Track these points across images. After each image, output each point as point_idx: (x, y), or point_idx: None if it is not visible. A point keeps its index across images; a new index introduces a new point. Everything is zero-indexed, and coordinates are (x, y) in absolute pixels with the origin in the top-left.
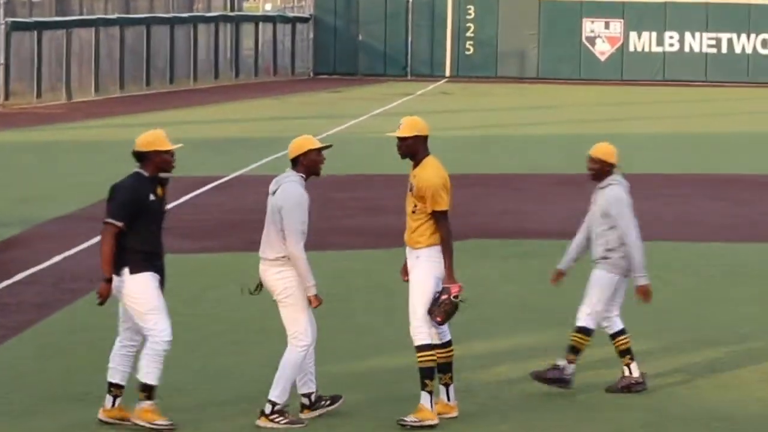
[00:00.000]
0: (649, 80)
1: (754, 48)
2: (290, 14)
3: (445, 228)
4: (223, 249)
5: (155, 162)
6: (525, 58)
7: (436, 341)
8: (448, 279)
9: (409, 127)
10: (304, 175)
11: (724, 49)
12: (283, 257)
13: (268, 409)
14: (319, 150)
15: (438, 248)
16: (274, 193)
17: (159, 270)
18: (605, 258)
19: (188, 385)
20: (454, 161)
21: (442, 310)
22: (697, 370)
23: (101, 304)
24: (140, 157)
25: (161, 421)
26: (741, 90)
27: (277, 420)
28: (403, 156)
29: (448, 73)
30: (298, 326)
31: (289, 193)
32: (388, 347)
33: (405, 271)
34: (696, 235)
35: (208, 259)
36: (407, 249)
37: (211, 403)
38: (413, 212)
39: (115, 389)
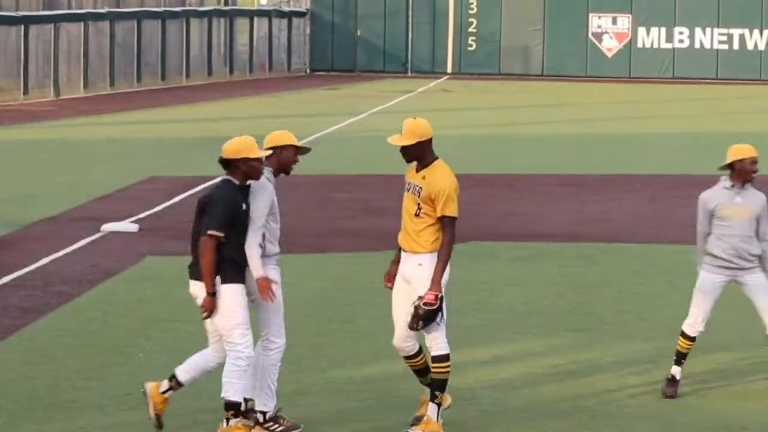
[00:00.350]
0: (657, 78)
1: (767, 44)
2: (286, 9)
3: (450, 234)
4: None
5: (243, 170)
6: (529, 54)
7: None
8: (433, 285)
9: (410, 133)
10: (272, 169)
11: (735, 45)
12: (265, 257)
13: (260, 418)
14: (297, 149)
15: None
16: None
17: (244, 281)
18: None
19: (180, 392)
20: (456, 161)
21: (413, 315)
22: (708, 377)
23: (207, 317)
24: (227, 164)
25: None
26: (753, 88)
27: (272, 428)
28: (409, 161)
29: (449, 69)
30: (272, 326)
31: (258, 185)
32: (388, 353)
33: (391, 277)
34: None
35: None
36: (403, 254)
37: (207, 411)
38: (416, 215)
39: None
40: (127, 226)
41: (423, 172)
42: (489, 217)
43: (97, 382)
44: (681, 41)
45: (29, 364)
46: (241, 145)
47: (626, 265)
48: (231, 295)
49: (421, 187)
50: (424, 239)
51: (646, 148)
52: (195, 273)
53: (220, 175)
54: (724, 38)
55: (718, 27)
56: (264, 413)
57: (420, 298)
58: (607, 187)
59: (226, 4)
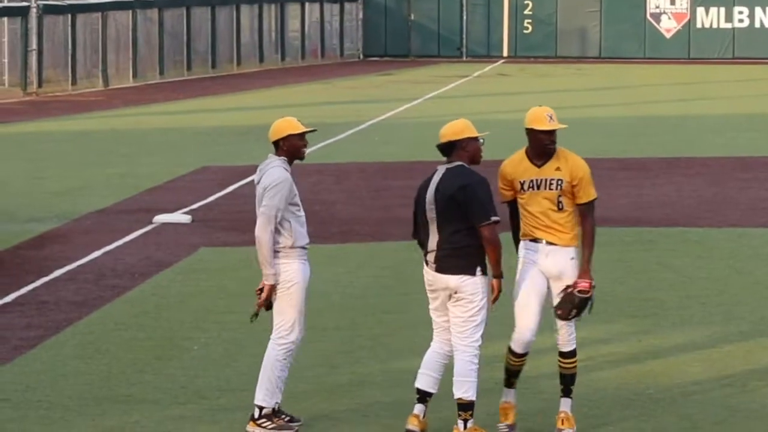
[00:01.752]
0: (717, 58)
1: None
2: None
3: (593, 219)
4: None
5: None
6: (586, 36)
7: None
8: (584, 273)
9: (557, 120)
10: (286, 158)
11: None
12: (283, 247)
13: (256, 413)
14: (300, 135)
15: None
16: (259, 181)
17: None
18: None
19: (235, 386)
20: (513, 145)
21: (562, 301)
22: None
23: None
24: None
25: None
26: None
27: (264, 425)
28: (546, 152)
29: (505, 53)
30: (284, 319)
31: (271, 178)
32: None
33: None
34: None
35: (252, 252)
36: (545, 248)
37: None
38: (559, 209)
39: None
40: (180, 217)
41: (552, 165)
42: None
43: (151, 376)
44: (741, 21)
45: (82, 359)
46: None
47: (687, 249)
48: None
49: (560, 179)
50: (570, 230)
51: (706, 130)
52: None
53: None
54: None
55: None
56: (261, 408)
57: (570, 286)
58: (667, 170)
59: None
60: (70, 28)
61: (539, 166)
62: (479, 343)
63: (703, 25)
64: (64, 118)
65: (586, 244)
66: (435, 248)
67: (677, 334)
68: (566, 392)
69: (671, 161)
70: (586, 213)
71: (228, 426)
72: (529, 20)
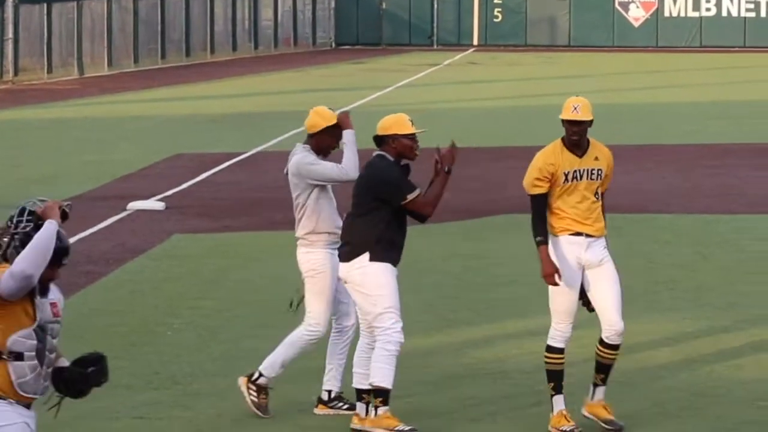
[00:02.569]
0: (685, 47)
1: None
2: None
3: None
4: (244, 228)
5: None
6: (555, 25)
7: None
8: None
9: (588, 110)
10: (308, 146)
11: (763, 13)
12: (309, 234)
13: (255, 375)
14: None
15: None
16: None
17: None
18: None
19: (208, 371)
20: (484, 134)
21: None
22: (739, 349)
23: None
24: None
25: (402, 427)
26: None
27: (251, 390)
28: (578, 142)
29: (475, 42)
30: (311, 310)
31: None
32: (418, 327)
33: (555, 267)
34: (737, 207)
35: (228, 239)
36: (581, 240)
37: (234, 389)
38: (596, 199)
39: (366, 395)
40: (153, 204)
41: (590, 155)
42: (519, 189)
43: (125, 362)
44: (708, 9)
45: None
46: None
47: (656, 235)
48: (379, 273)
49: (600, 169)
50: (603, 221)
51: (675, 118)
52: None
53: (244, 151)
54: (752, 6)
55: None
56: (260, 374)
57: None
58: (636, 157)
59: None
60: (45, 17)
61: (581, 156)
62: (393, 330)
63: (670, 13)
64: (39, 106)
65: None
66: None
67: (645, 319)
68: (604, 381)
69: (640, 148)
70: (602, 201)
71: (202, 411)
72: (499, 9)
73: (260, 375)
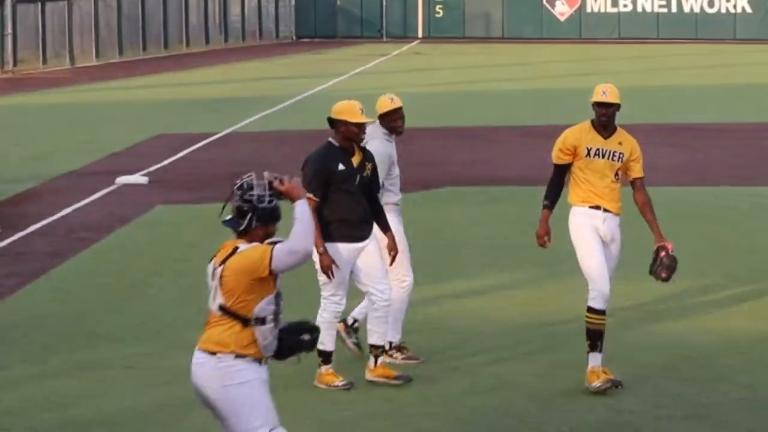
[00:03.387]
0: (605, 38)
1: (701, 7)
2: None
3: (647, 192)
4: (218, 199)
5: (342, 132)
6: (490, 19)
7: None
8: (661, 238)
9: (615, 94)
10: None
11: (674, 9)
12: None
13: (387, 346)
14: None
15: None
16: None
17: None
18: None
19: (189, 324)
20: (428, 116)
21: (665, 266)
22: (655, 303)
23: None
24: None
25: (395, 381)
26: (689, 46)
27: (395, 356)
28: (606, 123)
29: (420, 34)
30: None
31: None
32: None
33: (547, 231)
34: (654, 179)
35: (203, 209)
36: (599, 213)
37: None
38: (616, 179)
39: (374, 349)
40: (138, 178)
41: (615, 138)
42: (459, 165)
43: (116, 316)
44: (625, 6)
45: (57, 302)
46: (345, 108)
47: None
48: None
49: (622, 153)
50: (620, 201)
51: None
52: None
53: (217, 132)
54: (664, 2)
55: None
56: (390, 343)
57: (664, 251)
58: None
59: None
60: (40, 14)
61: (605, 138)
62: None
63: (592, 9)
64: (36, 92)
65: (651, 212)
66: None
67: (571, 278)
68: (598, 347)
69: (565, 128)
70: (642, 186)
71: (183, 360)
72: (440, 5)
73: (390, 342)
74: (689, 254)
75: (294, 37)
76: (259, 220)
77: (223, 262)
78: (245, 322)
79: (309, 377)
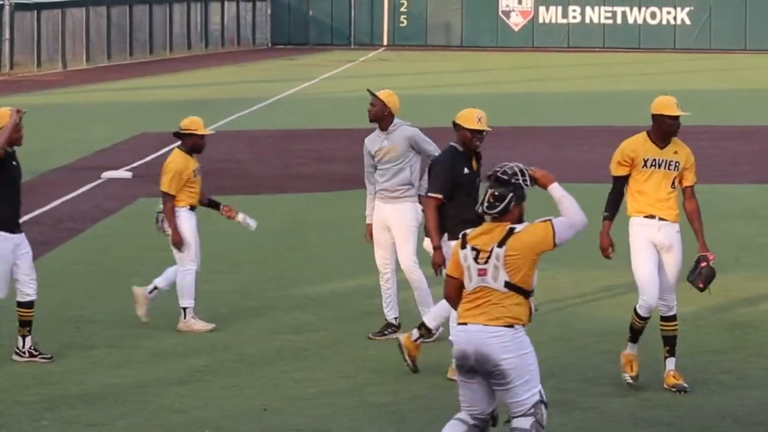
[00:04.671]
0: (556, 47)
1: (644, 19)
2: None
3: (697, 200)
4: None
5: (460, 137)
6: (451, 29)
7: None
8: (705, 248)
9: (680, 107)
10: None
11: (619, 20)
12: None
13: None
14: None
15: None
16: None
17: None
18: None
19: (167, 310)
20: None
21: (704, 276)
22: (591, 292)
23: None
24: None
25: (408, 360)
26: (633, 55)
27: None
28: (673, 135)
29: (385, 42)
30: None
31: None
32: (338, 275)
33: (610, 242)
34: (599, 177)
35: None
36: (655, 222)
37: None
38: (672, 188)
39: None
40: (123, 173)
41: (671, 148)
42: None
43: (100, 301)
44: (574, 17)
45: (44, 288)
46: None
47: (536, 201)
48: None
49: (678, 162)
50: (678, 209)
51: (548, 105)
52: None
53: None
54: (609, 14)
55: (604, 5)
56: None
57: (704, 261)
58: (517, 137)
59: None
60: (36, 21)
61: (661, 148)
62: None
63: (544, 20)
64: (31, 93)
65: (699, 221)
66: None
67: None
68: (671, 352)
69: (520, 129)
70: (693, 194)
71: (160, 342)
72: (405, 16)
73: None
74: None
75: (269, 44)
76: (517, 202)
77: (502, 243)
78: (527, 294)
79: (276, 357)
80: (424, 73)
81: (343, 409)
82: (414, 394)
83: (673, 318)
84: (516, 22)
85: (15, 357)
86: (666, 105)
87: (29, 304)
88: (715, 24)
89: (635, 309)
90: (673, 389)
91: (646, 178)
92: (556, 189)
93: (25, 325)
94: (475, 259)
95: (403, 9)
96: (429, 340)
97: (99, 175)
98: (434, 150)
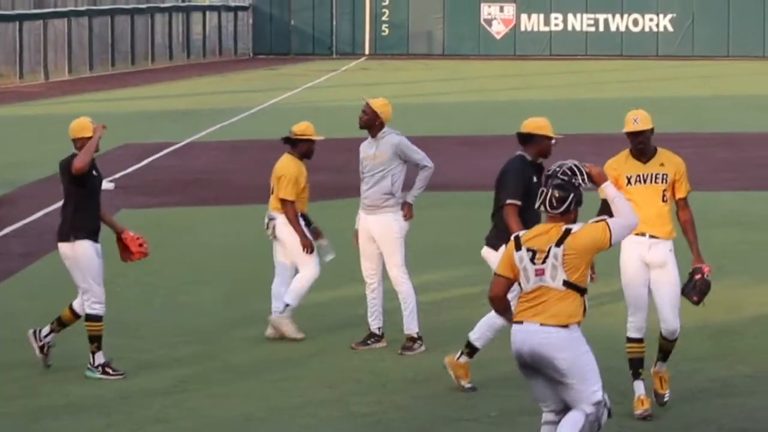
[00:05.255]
0: (537, 55)
1: (627, 26)
2: (232, 4)
3: (691, 210)
4: (178, 204)
5: (540, 147)
6: (432, 37)
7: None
8: (699, 259)
9: (647, 120)
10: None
11: (601, 28)
12: None
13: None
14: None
15: None
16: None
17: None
18: None
19: (151, 319)
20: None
21: (698, 290)
22: None
23: None
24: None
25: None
26: (615, 62)
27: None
28: (643, 150)
29: (367, 51)
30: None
31: None
32: (320, 283)
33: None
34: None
35: (165, 213)
36: (644, 240)
37: (172, 333)
38: (663, 201)
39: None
40: (105, 184)
41: (656, 161)
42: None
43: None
44: (556, 25)
45: (28, 299)
46: (540, 123)
47: None
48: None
49: (666, 174)
50: (671, 224)
51: (529, 113)
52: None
53: (179, 141)
54: (592, 22)
55: (586, 12)
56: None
57: (699, 273)
58: (500, 145)
59: (183, 0)
60: (18, 32)
61: (645, 163)
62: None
63: (526, 28)
64: (13, 105)
65: (693, 232)
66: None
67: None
68: (664, 358)
69: (502, 137)
70: (686, 205)
71: (144, 352)
72: (386, 24)
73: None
74: None
75: (251, 54)
76: (576, 203)
77: (559, 243)
78: (582, 292)
79: (260, 367)
80: (406, 82)
81: (328, 419)
82: (398, 404)
83: (673, 341)
84: (498, 30)
85: (87, 373)
86: (626, 122)
87: (96, 318)
88: (697, 31)
89: (627, 336)
90: (646, 413)
91: (632, 195)
92: (609, 188)
93: (94, 340)
94: (532, 259)
95: (384, 18)
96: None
97: None
98: (422, 158)
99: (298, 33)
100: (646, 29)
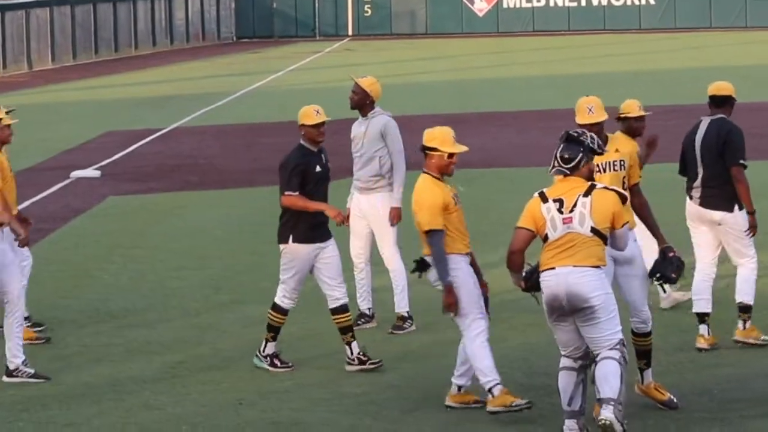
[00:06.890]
0: (521, 32)
1: (609, 0)
2: None
3: (643, 195)
4: (164, 189)
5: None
6: (415, 16)
7: None
8: (664, 240)
9: (602, 109)
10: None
11: (583, 2)
12: None
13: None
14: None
15: None
16: None
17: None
18: None
19: (139, 307)
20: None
21: (675, 265)
22: None
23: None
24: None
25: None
26: (598, 37)
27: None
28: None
29: (350, 32)
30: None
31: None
32: None
33: None
34: None
35: (151, 198)
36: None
37: (161, 320)
38: (625, 189)
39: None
40: (91, 172)
41: (611, 147)
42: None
43: (71, 301)
44: (539, 1)
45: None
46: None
47: (501, 185)
48: None
49: (623, 159)
50: (632, 213)
51: (513, 89)
52: None
53: (164, 127)
54: None
55: None
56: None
57: (671, 252)
58: (484, 122)
59: None
60: (0, 23)
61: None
62: (755, 258)
63: (508, 5)
64: None
65: (651, 215)
66: (701, 185)
67: (493, 254)
68: (648, 364)
69: (486, 115)
70: (639, 190)
71: (133, 339)
72: (369, 5)
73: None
74: None
75: (234, 38)
76: (586, 161)
77: (587, 193)
78: (606, 241)
79: (250, 351)
80: (390, 61)
81: (319, 400)
82: (390, 383)
83: (648, 334)
84: (480, 7)
85: (347, 367)
86: (578, 110)
87: (341, 309)
88: (679, 3)
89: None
90: (661, 406)
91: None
92: None
93: (346, 331)
94: (559, 209)
95: None
96: (403, 333)
97: (68, 174)
98: (396, 152)
99: (280, 15)
100: (628, 3)
